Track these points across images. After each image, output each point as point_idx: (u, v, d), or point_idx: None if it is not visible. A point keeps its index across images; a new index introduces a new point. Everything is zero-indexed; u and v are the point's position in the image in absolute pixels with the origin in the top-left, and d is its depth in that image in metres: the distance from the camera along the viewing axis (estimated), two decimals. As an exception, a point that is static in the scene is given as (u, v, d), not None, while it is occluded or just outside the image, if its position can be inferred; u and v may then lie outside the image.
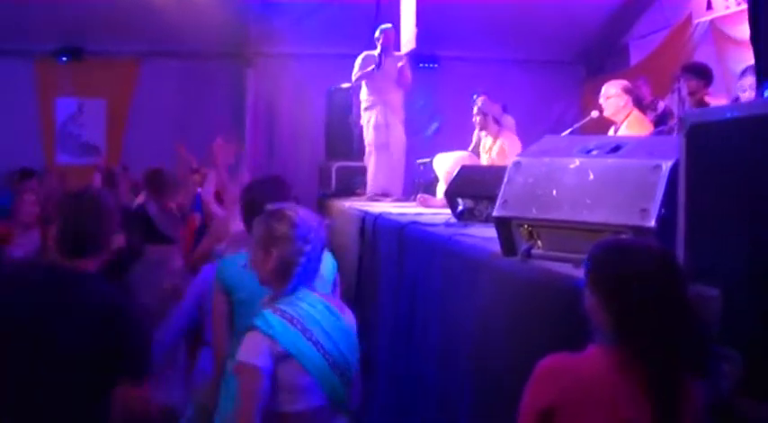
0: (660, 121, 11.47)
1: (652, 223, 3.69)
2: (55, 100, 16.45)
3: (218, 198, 8.06)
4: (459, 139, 11.54)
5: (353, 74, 12.09)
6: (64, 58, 16.14)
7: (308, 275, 4.08)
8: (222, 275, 4.85)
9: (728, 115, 2.96)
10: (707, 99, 10.38)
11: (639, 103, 11.17)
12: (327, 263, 4.93)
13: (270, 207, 4.17)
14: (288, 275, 4.02)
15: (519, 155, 4.44)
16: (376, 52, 11.95)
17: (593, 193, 3.96)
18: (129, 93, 16.38)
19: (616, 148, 4.11)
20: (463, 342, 4.94)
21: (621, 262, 2.86)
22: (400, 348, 6.40)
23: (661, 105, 11.97)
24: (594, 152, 4.15)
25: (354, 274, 8.39)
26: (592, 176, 4.00)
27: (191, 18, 14.61)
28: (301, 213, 4.11)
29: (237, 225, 5.72)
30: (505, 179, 4.35)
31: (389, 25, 12.28)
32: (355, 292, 7.94)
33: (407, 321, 6.30)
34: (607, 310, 2.83)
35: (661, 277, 2.81)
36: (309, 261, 4.04)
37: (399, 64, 11.90)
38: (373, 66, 11.84)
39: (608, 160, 4.02)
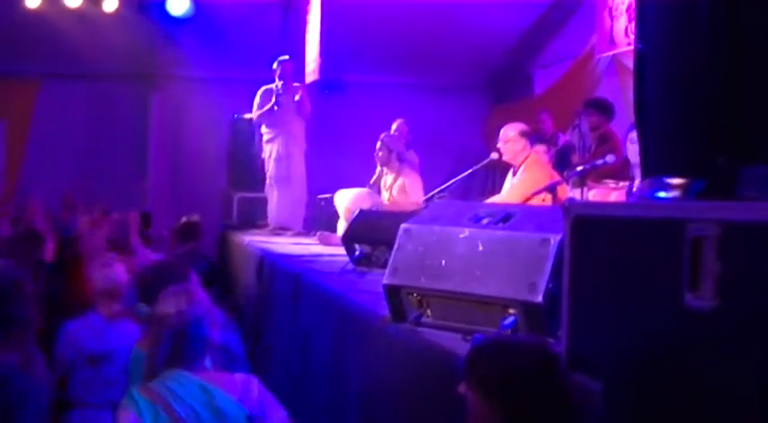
0: (561, 155, 11.60)
1: (539, 299, 3.69)
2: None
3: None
4: (364, 167, 11.56)
5: (254, 110, 12.06)
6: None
7: (182, 357, 4.05)
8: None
9: (613, 213, 2.96)
10: (611, 132, 10.51)
11: (540, 138, 11.30)
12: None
13: (169, 288, 4.25)
14: (156, 356, 4.05)
15: (408, 222, 4.38)
16: (274, 85, 11.94)
17: (483, 264, 3.94)
18: (30, 114, 16.02)
19: (506, 218, 4.09)
20: (351, 405, 4.91)
21: (500, 361, 2.82)
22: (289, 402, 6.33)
23: (562, 140, 12.11)
24: (485, 221, 4.13)
25: (253, 315, 8.33)
26: (481, 247, 3.97)
27: (94, 38, 14.45)
28: (184, 298, 4.12)
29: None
30: (396, 246, 4.32)
31: (287, 57, 12.27)
32: (254, 336, 7.85)
33: (299, 373, 6.25)
34: (492, 411, 2.79)
35: (541, 376, 2.78)
36: (172, 345, 4.04)
37: (297, 95, 11.89)
38: (272, 103, 11.83)
39: (497, 232, 4.00)
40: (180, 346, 4.04)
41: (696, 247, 2.42)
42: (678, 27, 2.95)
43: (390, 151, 10.46)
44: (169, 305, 4.11)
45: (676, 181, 2.84)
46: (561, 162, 11.00)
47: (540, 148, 10.07)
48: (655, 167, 3.04)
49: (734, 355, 2.31)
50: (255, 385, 4.16)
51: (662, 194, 2.86)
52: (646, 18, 3.20)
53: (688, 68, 2.91)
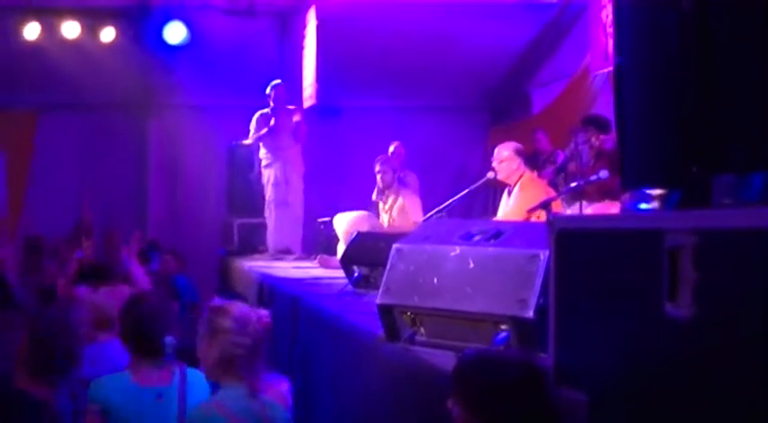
0: (561, 172, 11.60)
1: (530, 314, 3.70)
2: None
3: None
4: (363, 190, 11.58)
5: (250, 134, 12.10)
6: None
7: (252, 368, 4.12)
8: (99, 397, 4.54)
9: (595, 226, 2.98)
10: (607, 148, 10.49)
11: (537, 158, 11.31)
12: None
13: (212, 303, 4.30)
14: (231, 368, 4.08)
15: (400, 241, 4.41)
16: (268, 109, 12.01)
17: (474, 281, 3.95)
18: (30, 146, 16.00)
19: (496, 235, 4.11)
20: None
21: (485, 376, 2.84)
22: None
23: (560, 157, 12.10)
24: (476, 238, 4.15)
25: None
26: (472, 265, 3.99)
27: (92, 69, 14.48)
28: (240, 309, 4.19)
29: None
30: (388, 265, 4.34)
31: (279, 81, 12.31)
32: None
33: (302, 395, 6.24)
34: None
35: (525, 390, 2.80)
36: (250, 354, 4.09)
37: (295, 118, 11.92)
38: (266, 128, 11.86)
39: (487, 249, 4.02)
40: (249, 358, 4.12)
41: (674, 257, 2.44)
42: (649, 39, 2.98)
43: (394, 172, 10.53)
44: (241, 315, 4.17)
45: (656, 192, 2.86)
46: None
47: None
48: (634, 179, 3.06)
49: (713, 363, 2.33)
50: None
51: (643, 206, 2.88)
52: (622, 31, 3.23)
53: (660, 79, 2.94)
